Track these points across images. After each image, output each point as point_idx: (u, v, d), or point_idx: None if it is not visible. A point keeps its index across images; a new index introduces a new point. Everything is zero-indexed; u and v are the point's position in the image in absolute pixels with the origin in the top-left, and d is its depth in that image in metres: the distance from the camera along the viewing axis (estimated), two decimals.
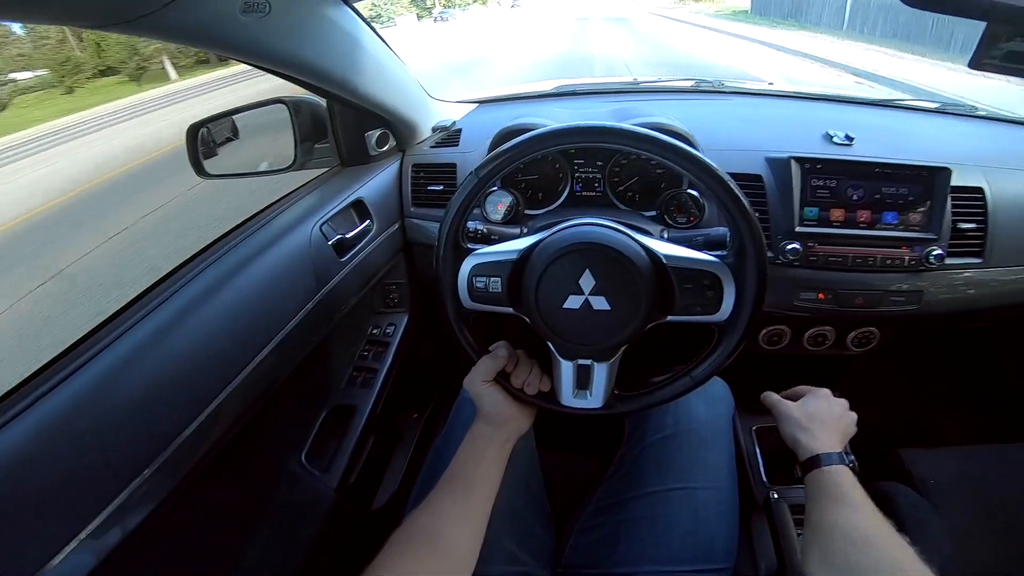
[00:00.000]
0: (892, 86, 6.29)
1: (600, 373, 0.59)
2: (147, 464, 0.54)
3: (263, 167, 1.01)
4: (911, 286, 0.85)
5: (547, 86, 1.35)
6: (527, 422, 0.66)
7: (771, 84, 1.29)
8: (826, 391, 0.75)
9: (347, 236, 0.87)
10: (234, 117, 0.99)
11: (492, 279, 0.58)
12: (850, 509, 0.54)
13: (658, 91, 1.32)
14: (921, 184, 0.82)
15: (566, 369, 0.60)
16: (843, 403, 0.73)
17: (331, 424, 0.96)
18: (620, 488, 0.74)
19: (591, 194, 0.94)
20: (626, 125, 0.54)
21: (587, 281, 0.54)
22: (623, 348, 0.59)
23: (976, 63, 0.50)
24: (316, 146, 0.99)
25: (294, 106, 0.94)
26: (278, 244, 0.77)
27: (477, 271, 0.59)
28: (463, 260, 0.59)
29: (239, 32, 0.62)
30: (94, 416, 0.51)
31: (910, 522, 0.77)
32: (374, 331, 1.07)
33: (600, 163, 0.93)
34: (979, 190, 0.85)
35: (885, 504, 0.79)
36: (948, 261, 0.83)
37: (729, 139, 0.94)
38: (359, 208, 0.93)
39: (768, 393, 0.78)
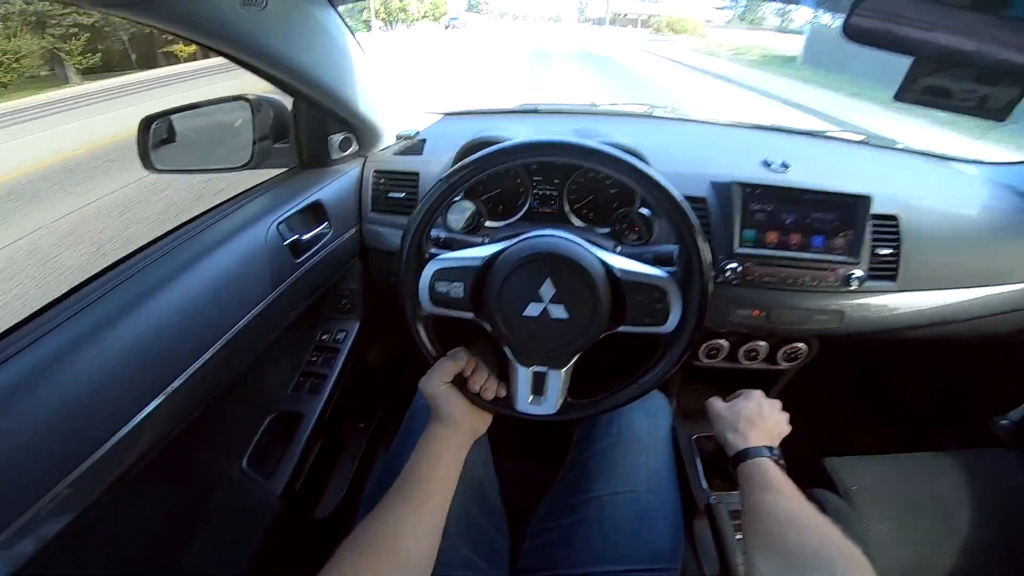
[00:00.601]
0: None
1: (554, 380, 0.61)
2: (74, 467, 0.51)
3: (216, 164, 0.98)
4: (835, 306, 0.93)
5: (510, 104, 1.39)
6: (483, 426, 0.67)
7: (717, 114, 1.37)
8: (758, 392, 0.81)
9: (303, 238, 0.86)
10: (190, 113, 0.97)
11: (454, 284, 0.60)
12: (775, 494, 0.59)
13: (614, 114, 1.39)
14: (845, 211, 0.90)
15: (522, 375, 0.62)
16: (774, 403, 0.79)
17: (276, 430, 0.94)
18: (569, 492, 0.76)
19: (548, 210, 0.97)
20: (591, 143, 0.56)
21: (547, 290, 0.56)
22: (577, 356, 0.61)
23: (900, 95, 0.57)
24: (274, 146, 0.98)
25: (255, 104, 0.93)
26: (233, 240, 0.76)
27: (440, 276, 0.60)
28: (425, 264, 0.60)
29: (235, 24, 0.62)
30: (18, 413, 0.48)
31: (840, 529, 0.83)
32: (323, 336, 1.06)
33: (557, 181, 0.96)
34: (894, 218, 0.94)
35: None
36: (867, 284, 0.91)
37: (677, 162, 1.00)
38: (317, 210, 0.92)
39: (712, 399, 0.83)
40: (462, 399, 0.63)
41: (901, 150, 1.27)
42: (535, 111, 1.34)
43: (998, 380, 1.29)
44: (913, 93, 0.57)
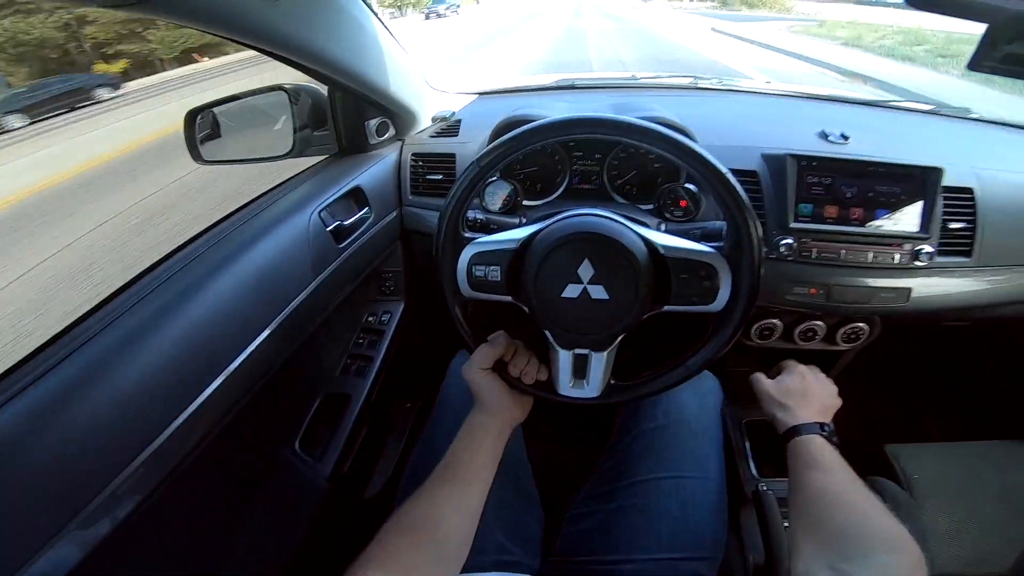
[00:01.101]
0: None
1: (597, 363, 0.60)
2: (139, 452, 0.53)
3: (260, 154, 1.01)
4: (901, 283, 0.86)
5: (546, 80, 1.35)
6: (523, 412, 0.67)
7: (768, 83, 1.29)
8: (802, 367, 0.79)
9: (345, 223, 0.87)
10: (232, 104, 0.99)
11: (491, 268, 0.59)
12: (822, 472, 0.57)
13: (657, 87, 1.33)
14: (913, 183, 0.83)
15: (564, 359, 0.61)
16: (820, 375, 0.77)
17: (324, 412, 0.96)
18: (611, 477, 0.75)
19: (589, 187, 0.94)
20: (630, 118, 0.54)
21: (586, 270, 0.55)
22: (620, 338, 0.60)
23: (975, 64, 0.52)
24: (314, 134, 0.99)
25: (293, 93, 0.94)
26: (277, 229, 0.78)
27: (476, 260, 0.59)
28: (463, 248, 0.59)
29: (256, 16, 0.62)
30: (85, 403, 0.51)
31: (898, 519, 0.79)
32: (369, 319, 1.07)
33: (599, 156, 0.93)
34: (969, 191, 0.86)
35: None
36: (937, 260, 0.84)
37: (726, 135, 0.95)
38: (357, 195, 0.93)
39: (756, 375, 0.81)
40: (503, 386, 0.63)
41: (976, 120, 1.16)
42: (572, 86, 1.29)
43: None
44: (991, 62, 0.52)
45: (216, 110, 0.97)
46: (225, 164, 1.04)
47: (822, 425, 0.66)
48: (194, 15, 0.56)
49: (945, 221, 0.85)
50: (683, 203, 0.88)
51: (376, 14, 0.87)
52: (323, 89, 0.96)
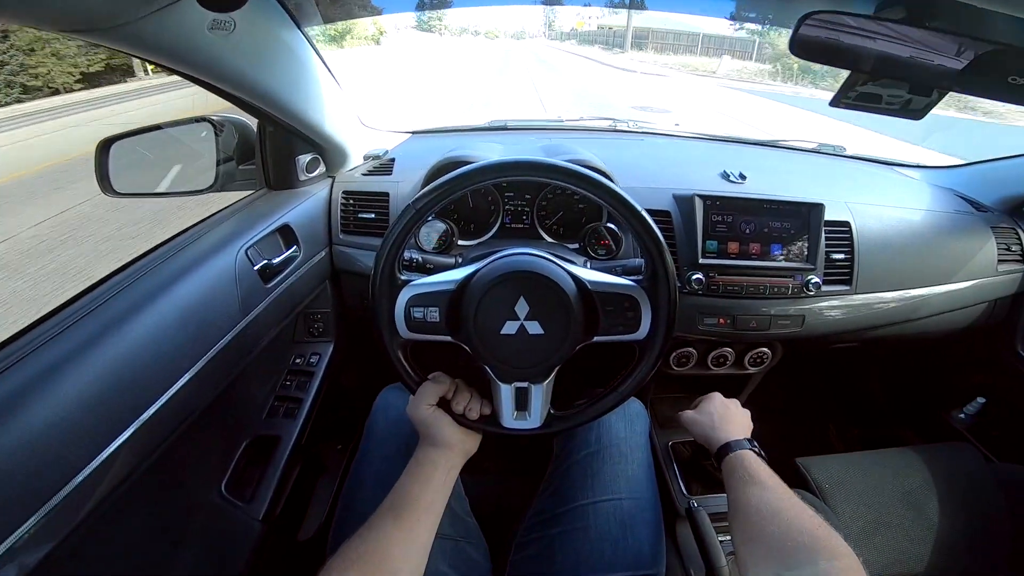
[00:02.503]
0: None
1: (537, 394, 0.63)
2: (52, 494, 0.50)
3: (179, 187, 0.97)
4: (795, 311, 0.97)
5: (478, 121, 1.41)
6: (474, 446, 0.67)
7: (677, 125, 1.42)
8: (716, 393, 0.85)
9: (273, 262, 0.85)
10: (149, 135, 0.95)
11: (430, 309, 0.60)
12: (759, 487, 0.60)
13: (580, 129, 1.42)
14: (801, 219, 0.94)
15: (505, 392, 0.63)
16: (734, 401, 0.83)
17: (252, 454, 0.92)
18: (552, 503, 0.77)
19: (520, 226, 0.99)
20: (562, 162, 0.58)
21: (522, 307, 0.58)
22: (556, 369, 0.63)
23: (835, 102, 0.63)
24: (239, 168, 0.97)
25: (218, 125, 0.92)
26: (202, 266, 0.75)
27: (414, 301, 0.60)
28: (400, 291, 0.60)
29: (203, 49, 0.62)
30: None
31: None
32: (297, 360, 1.04)
33: (528, 196, 0.98)
34: (846, 224, 0.99)
35: None
36: (824, 288, 0.95)
37: (641, 177, 1.03)
38: (286, 233, 0.91)
39: (681, 412, 0.86)
40: (451, 421, 0.64)
41: (849, 157, 1.33)
42: (503, 127, 1.36)
43: (949, 375, 1.36)
44: (848, 100, 0.63)
45: (131, 140, 0.92)
46: (140, 197, 0.99)
47: (750, 441, 0.71)
48: (151, 48, 0.57)
49: (828, 252, 0.97)
50: (604, 242, 0.94)
51: (316, 49, 0.88)
52: (251, 121, 0.95)
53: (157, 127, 0.94)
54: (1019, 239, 1.10)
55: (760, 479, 0.62)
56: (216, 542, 0.83)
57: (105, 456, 0.55)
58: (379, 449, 0.78)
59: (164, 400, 0.63)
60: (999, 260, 1.08)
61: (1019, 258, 1.09)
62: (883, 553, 0.89)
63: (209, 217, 0.90)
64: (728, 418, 0.78)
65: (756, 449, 0.69)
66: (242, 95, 0.75)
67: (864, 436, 1.46)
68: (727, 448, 0.69)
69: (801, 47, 0.58)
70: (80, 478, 0.52)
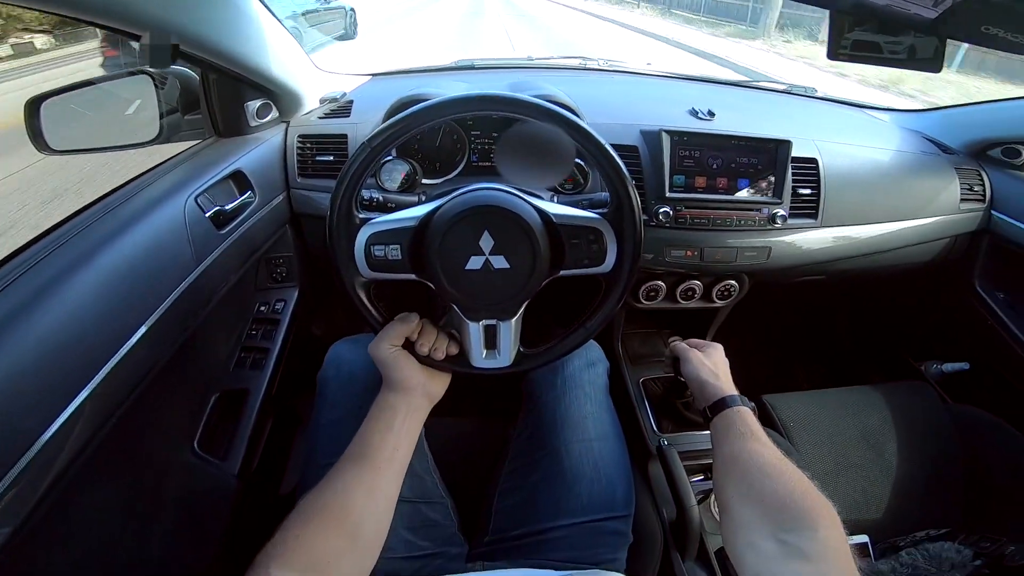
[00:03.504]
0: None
1: (506, 331, 0.62)
2: (7, 470, 0.47)
3: (122, 141, 0.91)
4: (761, 243, 0.98)
5: (444, 61, 1.35)
6: (440, 388, 0.66)
7: (648, 65, 1.39)
8: (719, 346, 0.83)
9: (226, 208, 0.82)
10: (85, 90, 0.88)
11: (391, 247, 0.59)
12: (759, 443, 0.59)
13: (550, 68, 1.38)
14: (767, 155, 0.94)
15: (474, 330, 0.62)
16: (726, 358, 0.82)
17: (223, 410, 0.91)
18: (528, 448, 0.77)
19: (487, 164, 0.96)
20: (522, 96, 0.56)
21: (486, 242, 0.57)
22: (524, 305, 0.62)
23: (833, 54, 0.58)
24: (185, 118, 0.92)
25: (159, 77, 0.87)
26: (147, 218, 0.71)
27: (374, 239, 0.58)
28: (358, 230, 0.58)
29: None
30: None
31: None
32: (261, 308, 1.02)
33: (496, 134, 0.95)
34: (813, 160, 0.99)
35: None
36: (790, 222, 0.96)
37: (609, 113, 1.01)
38: (238, 179, 0.87)
39: (676, 341, 0.86)
40: (414, 362, 0.62)
41: (820, 98, 1.33)
42: (471, 67, 1.31)
43: (911, 312, 1.40)
44: (844, 50, 0.58)
45: (63, 97, 0.86)
46: (79, 153, 0.93)
47: (744, 398, 0.69)
48: None
49: (795, 188, 0.97)
50: (571, 177, 0.92)
51: None
52: (195, 71, 0.89)
53: (90, 82, 0.88)
54: (982, 180, 1.13)
55: (761, 437, 0.61)
56: (194, 502, 0.83)
57: (61, 422, 0.52)
58: (330, 412, 0.75)
59: (118, 358, 0.60)
60: (961, 199, 1.11)
61: (980, 198, 1.12)
62: (846, 495, 0.93)
63: (154, 168, 0.85)
64: (726, 372, 0.77)
65: (751, 407, 0.68)
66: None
67: (829, 374, 1.51)
68: (727, 401, 0.67)
69: None
70: (36, 449, 0.50)
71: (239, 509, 0.87)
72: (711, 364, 0.77)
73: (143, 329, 0.65)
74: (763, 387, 1.11)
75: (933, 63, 0.56)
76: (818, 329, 1.60)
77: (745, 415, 0.65)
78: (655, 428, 1.05)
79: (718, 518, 0.81)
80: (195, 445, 0.84)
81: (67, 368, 0.55)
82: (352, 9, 8.89)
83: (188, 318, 0.75)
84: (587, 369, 0.83)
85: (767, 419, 1.02)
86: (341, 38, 8.70)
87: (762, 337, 1.52)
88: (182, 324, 0.74)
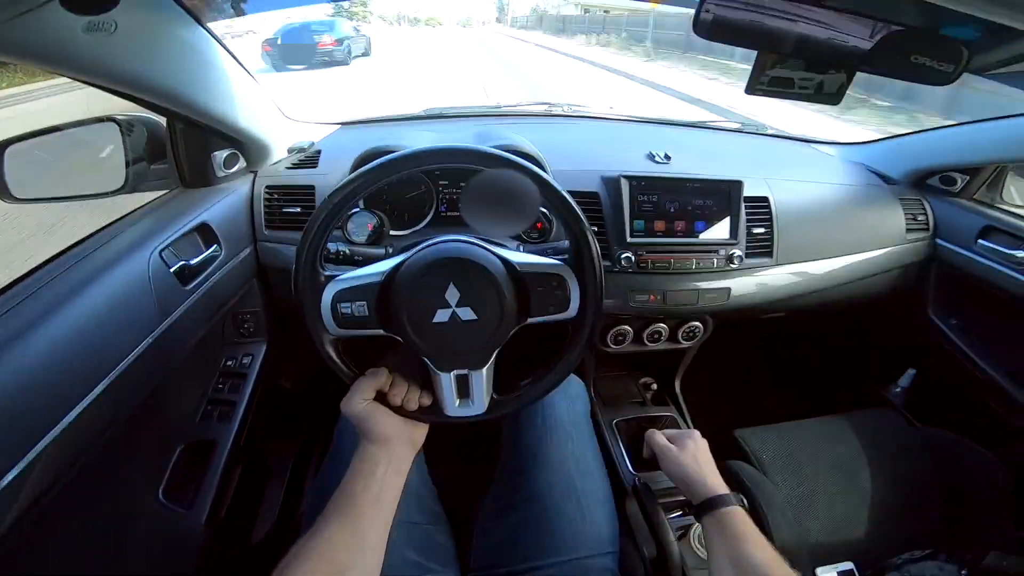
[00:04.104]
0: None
1: (478, 380, 0.62)
2: None
3: (87, 190, 0.91)
4: (721, 284, 1.01)
5: (412, 110, 1.38)
6: (420, 436, 0.66)
7: (611, 108, 1.45)
8: (695, 432, 0.84)
9: (191, 263, 0.82)
10: (53, 136, 0.88)
11: (357, 303, 0.59)
12: (754, 546, 0.61)
13: (516, 115, 1.42)
14: (721, 196, 0.98)
15: (446, 381, 0.62)
16: (704, 440, 0.83)
17: (189, 459, 0.90)
18: (509, 490, 0.77)
19: (455, 214, 0.98)
20: (485, 148, 0.58)
21: (452, 294, 0.57)
22: (495, 354, 0.63)
23: (751, 89, 0.63)
24: (152, 167, 0.92)
25: (126, 125, 0.87)
26: (111, 272, 0.71)
27: (341, 296, 0.58)
28: (324, 287, 0.59)
29: (84, 51, 0.58)
30: None
31: (757, 495, 0.89)
32: (228, 363, 1.01)
33: (463, 184, 0.96)
34: (765, 199, 1.04)
35: (735, 483, 0.91)
36: (747, 261, 1.00)
37: (571, 159, 1.04)
38: (205, 232, 0.87)
39: (652, 432, 0.87)
40: (390, 413, 0.62)
41: (771, 135, 1.40)
42: (440, 115, 1.34)
43: (873, 341, 1.45)
44: (761, 85, 0.63)
45: (30, 143, 0.85)
46: (44, 202, 0.93)
47: (735, 495, 0.70)
48: (19, 52, 0.53)
49: (749, 227, 1.01)
50: (539, 226, 0.95)
51: (220, 41, 0.84)
52: (161, 120, 0.90)
53: (56, 128, 0.88)
54: (924, 209, 1.18)
55: (754, 539, 0.62)
56: (160, 548, 0.82)
57: (21, 468, 0.52)
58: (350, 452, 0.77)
59: (79, 410, 0.60)
60: (907, 229, 1.15)
61: (924, 227, 1.17)
62: (823, 521, 0.93)
63: (120, 219, 0.85)
64: (708, 462, 0.77)
65: (741, 502, 0.69)
66: (140, 95, 0.71)
67: (799, 404, 1.53)
68: (715, 502, 0.68)
69: (703, 26, 0.58)
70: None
71: (207, 556, 0.86)
72: (690, 458, 0.78)
73: (104, 384, 0.64)
74: (735, 421, 1.12)
75: (835, 97, 0.62)
76: (785, 362, 1.64)
77: (736, 515, 0.65)
78: (630, 467, 1.06)
79: (701, 555, 0.81)
80: (160, 494, 0.83)
81: (27, 418, 0.55)
82: (369, 37, 13.60)
83: (152, 374, 0.75)
84: (568, 405, 0.84)
85: (740, 454, 1.03)
86: (363, 55, 12.66)
87: (732, 373, 1.55)
88: (146, 380, 0.74)
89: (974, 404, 1.16)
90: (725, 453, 0.99)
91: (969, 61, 0.54)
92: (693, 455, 0.78)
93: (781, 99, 0.65)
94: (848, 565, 0.87)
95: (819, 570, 0.86)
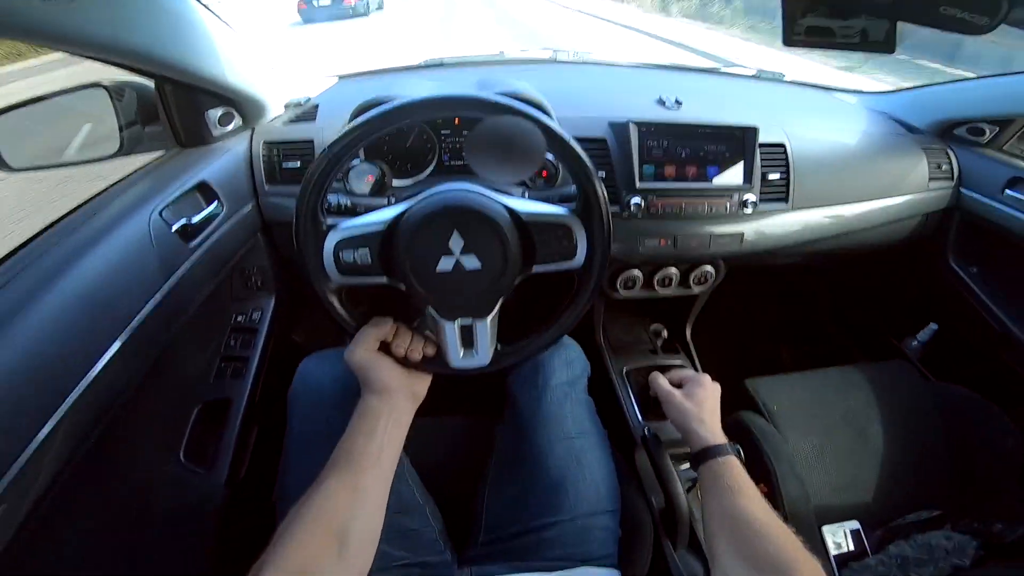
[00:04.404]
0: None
1: (482, 330, 0.62)
2: None
3: (82, 156, 0.90)
4: (734, 229, 0.99)
5: (413, 60, 1.33)
6: (422, 388, 0.65)
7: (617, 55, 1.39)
8: (706, 376, 0.83)
9: (193, 221, 0.80)
10: (39, 106, 0.85)
11: (360, 251, 0.58)
12: (746, 499, 0.60)
13: (521, 62, 1.36)
14: (735, 142, 0.94)
15: (450, 331, 0.62)
16: (717, 386, 0.82)
17: (206, 420, 0.91)
18: (514, 445, 0.78)
19: (459, 163, 0.95)
20: (485, 95, 0.56)
21: (456, 242, 0.56)
22: (500, 302, 0.62)
23: (788, 40, 0.58)
24: (146, 130, 0.90)
25: (115, 90, 0.85)
26: (111, 236, 0.70)
27: (343, 245, 0.58)
28: (325, 236, 0.58)
29: (43, 18, 0.54)
30: None
31: (768, 450, 0.89)
32: (238, 318, 1.00)
33: (467, 132, 0.94)
34: (781, 145, 1.00)
35: (744, 434, 0.90)
36: (761, 206, 0.97)
37: (578, 106, 1.00)
38: (204, 190, 0.86)
39: (655, 376, 0.86)
40: (393, 363, 0.62)
41: (788, 82, 1.33)
42: (440, 64, 1.29)
43: (891, 291, 1.42)
44: (799, 36, 0.58)
45: (17, 114, 0.83)
46: (40, 170, 0.92)
47: (731, 444, 0.69)
48: None
49: (764, 173, 0.98)
50: (544, 173, 0.92)
51: (204, 3, 0.80)
52: (149, 82, 0.87)
53: (42, 98, 0.85)
54: (949, 159, 1.14)
55: (745, 488, 0.62)
56: (183, 512, 0.83)
57: (38, 444, 0.52)
58: (301, 426, 0.76)
59: (91, 377, 0.60)
60: (930, 178, 1.11)
61: (948, 176, 1.13)
62: (832, 477, 0.93)
63: (116, 183, 0.84)
64: (713, 410, 0.76)
65: (737, 452, 0.68)
66: (114, 59, 0.68)
67: (813, 355, 1.52)
68: (712, 452, 0.67)
69: None
70: (14, 469, 0.50)
71: (228, 517, 0.88)
72: (694, 405, 0.76)
73: (115, 347, 0.64)
74: (747, 369, 1.12)
75: (885, 45, 0.56)
76: (800, 311, 1.61)
77: (731, 466, 0.65)
78: (639, 417, 1.06)
79: None
80: (181, 456, 0.84)
81: (39, 390, 0.55)
82: None
83: (161, 333, 0.75)
84: (565, 368, 0.84)
85: (750, 403, 1.02)
86: (378, 9, 14.28)
87: (744, 321, 1.53)
88: (155, 339, 0.74)
89: (992, 360, 1.14)
90: (736, 402, 0.99)
91: (1008, 13, 0.49)
92: (699, 402, 0.77)
93: (826, 49, 0.61)
94: (854, 524, 0.87)
95: (825, 528, 0.86)
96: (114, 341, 0.64)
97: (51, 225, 0.73)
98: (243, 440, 0.93)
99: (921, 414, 1.02)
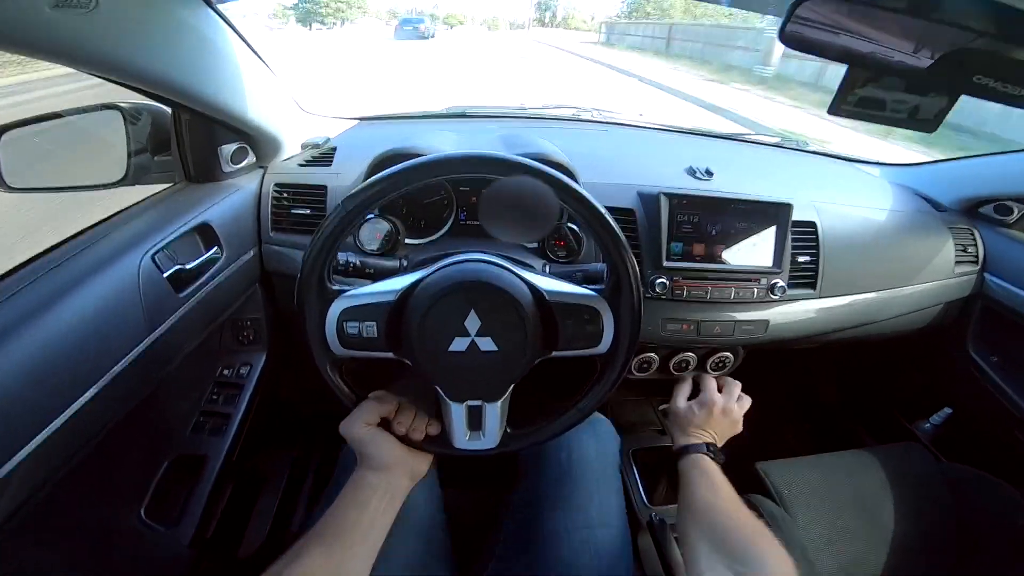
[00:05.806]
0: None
1: (492, 413, 0.58)
2: None
3: (86, 181, 0.85)
4: (760, 316, 0.93)
5: (435, 107, 1.32)
6: (423, 466, 0.62)
7: (641, 115, 1.37)
8: (717, 395, 0.87)
9: (187, 267, 0.75)
10: (53, 123, 0.82)
11: (366, 324, 0.54)
12: (712, 492, 0.66)
13: (542, 118, 1.34)
14: (767, 218, 0.90)
15: (456, 412, 0.58)
16: (733, 398, 0.87)
17: (176, 475, 0.85)
18: (523, 526, 0.73)
19: (475, 223, 0.91)
20: (515, 157, 0.53)
21: (472, 322, 0.52)
22: (512, 386, 0.58)
23: (835, 109, 0.55)
24: (156, 159, 0.86)
25: (130, 113, 0.81)
26: (98, 276, 0.65)
27: (348, 315, 0.54)
28: (330, 303, 0.54)
29: (53, 31, 0.51)
30: None
31: (777, 535, 0.83)
32: (224, 372, 0.95)
33: (483, 189, 0.90)
34: (812, 224, 0.95)
35: None
36: (789, 292, 0.92)
37: (604, 172, 0.96)
38: (205, 233, 0.81)
39: (706, 378, 0.91)
40: (393, 441, 0.58)
41: (811, 152, 1.31)
42: (462, 115, 1.28)
43: (901, 375, 1.37)
44: (848, 106, 0.56)
45: (29, 129, 0.80)
46: (40, 192, 0.87)
47: (708, 445, 0.76)
48: None
49: (794, 255, 0.93)
50: (564, 243, 0.88)
51: (233, 27, 0.77)
52: (167, 109, 0.84)
53: (57, 115, 0.83)
54: (975, 240, 1.10)
55: (714, 483, 0.67)
56: (140, 572, 0.78)
57: None
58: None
59: (60, 423, 0.56)
60: (956, 261, 1.07)
61: (974, 259, 1.09)
62: (842, 559, 0.89)
63: (115, 215, 0.79)
64: (708, 420, 0.82)
65: (713, 454, 0.74)
66: (130, 82, 0.64)
67: (817, 436, 1.47)
68: (684, 450, 0.75)
69: (791, 37, 0.51)
70: None
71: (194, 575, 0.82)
72: (685, 418, 0.84)
73: (89, 394, 0.60)
74: (756, 453, 1.06)
75: (931, 124, 0.55)
76: (808, 392, 1.56)
77: (700, 461, 0.72)
78: (645, 501, 1.00)
79: None
80: (142, 512, 0.79)
81: (4, 430, 0.51)
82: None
83: (141, 384, 0.70)
84: (596, 444, 0.79)
85: (761, 487, 0.97)
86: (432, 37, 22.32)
87: (754, 401, 1.47)
88: (134, 390, 0.69)
89: (1006, 442, 1.09)
90: (745, 485, 0.94)
91: None
92: (707, 408, 0.84)
93: (867, 121, 0.58)
94: None
95: None
96: (88, 389, 0.60)
97: (36, 257, 0.68)
98: (215, 498, 0.87)
99: (933, 494, 0.98)
